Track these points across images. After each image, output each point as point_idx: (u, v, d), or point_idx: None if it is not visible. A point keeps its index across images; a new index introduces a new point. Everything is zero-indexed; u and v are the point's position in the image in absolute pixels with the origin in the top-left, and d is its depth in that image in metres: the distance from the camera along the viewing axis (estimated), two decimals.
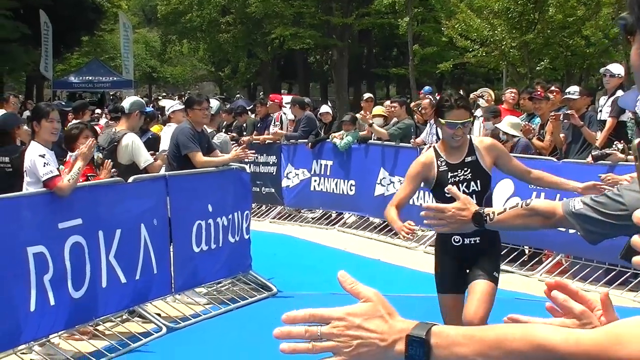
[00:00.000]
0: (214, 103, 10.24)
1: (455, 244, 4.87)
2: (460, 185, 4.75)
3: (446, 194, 4.50)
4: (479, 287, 4.79)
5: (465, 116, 4.84)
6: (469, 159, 4.88)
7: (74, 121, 9.57)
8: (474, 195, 4.64)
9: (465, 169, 4.85)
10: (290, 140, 13.36)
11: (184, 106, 9.71)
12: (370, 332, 1.45)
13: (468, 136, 5.04)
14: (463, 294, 4.91)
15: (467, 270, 4.92)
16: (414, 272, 9.28)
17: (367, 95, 15.59)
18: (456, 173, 4.83)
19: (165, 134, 9.49)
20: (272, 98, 15.14)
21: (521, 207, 2.97)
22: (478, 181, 4.83)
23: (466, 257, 4.90)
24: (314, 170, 12.91)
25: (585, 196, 2.83)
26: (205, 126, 8.54)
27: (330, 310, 1.47)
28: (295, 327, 1.47)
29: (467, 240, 4.82)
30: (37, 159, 6.25)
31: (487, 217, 3.03)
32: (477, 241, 4.80)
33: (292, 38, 37.58)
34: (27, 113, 18.69)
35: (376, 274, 8.64)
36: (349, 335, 1.44)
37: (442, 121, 4.83)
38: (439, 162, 4.89)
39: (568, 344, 1.36)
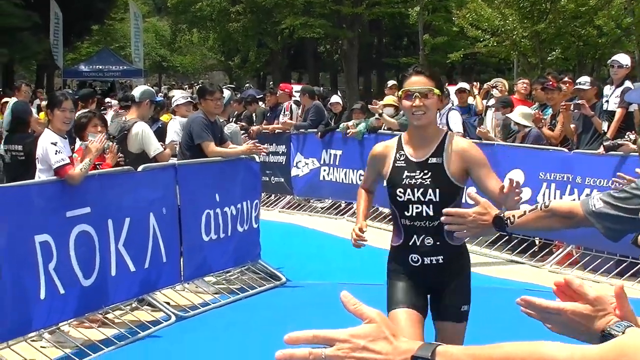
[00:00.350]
0: (226, 93, 10.23)
1: (414, 264, 3.95)
2: (415, 190, 3.88)
3: (398, 198, 3.92)
4: (444, 333, 3.98)
5: (425, 83, 3.88)
6: (433, 160, 3.92)
7: (82, 110, 9.59)
8: (430, 206, 3.86)
9: (426, 171, 3.90)
10: (300, 130, 13.35)
11: (187, 100, 9.76)
12: (376, 354, 1.44)
13: (443, 128, 4.22)
14: (422, 315, 3.98)
15: (429, 296, 4.05)
16: None
17: (391, 82, 15.59)
18: (414, 174, 3.91)
19: (170, 126, 9.51)
20: (281, 87, 15.15)
21: (540, 209, 2.95)
22: (437, 190, 3.87)
23: (428, 281, 3.99)
24: (324, 160, 12.91)
25: (604, 193, 2.81)
26: (217, 116, 8.53)
27: (334, 331, 1.46)
28: (298, 349, 1.46)
29: (427, 260, 3.93)
30: (49, 146, 6.28)
31: (508, 220, 3.00)
32: (440, 261, 3.93)
33: (302, 27, 37.52)
34: (37, 102, 18.76)
35: (385, 264, 8.62)
36: (354, 357, 1.43)
37: (400, 93, 3.98)
38: (397, 156, 4.00)
39: None
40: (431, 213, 3.86)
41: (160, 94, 22.08)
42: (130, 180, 7.03)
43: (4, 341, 5.75)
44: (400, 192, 3.92)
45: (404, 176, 3.92)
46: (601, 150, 8.59)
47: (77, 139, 7.66)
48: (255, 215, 8.52)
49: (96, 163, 6.90)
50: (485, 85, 12.77)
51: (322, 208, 13.13)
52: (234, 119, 14.15)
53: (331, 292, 1.40)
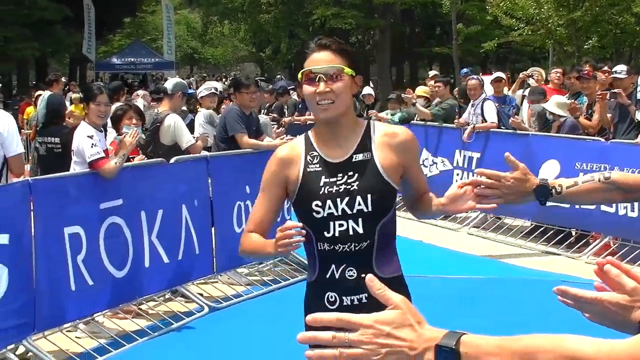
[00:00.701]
0: None
1: (330, 306, 2.94)
2: (338, 201, 2.89)
3: (314, 214, 2.91)
4: None
5: (331, 60, 2.90)
6: (359, 156, 2.95)
7: (117, 104, 9.69)
8: (359, 220, 2.89)
9: (351, 173, 2.92)
10: None
11: (211, 91, 9.84)
12: (400, 341, 1.44)
13: (363, 120, 3.11)
14: None
15: None
16: (456, 254, 9.25)
17: (432, 72, 15.56)
18: (335, 179, 2.92)
19: (196, 119, 9.62)
20: None
21: (599, 180, 2.68)
22: (369, 196, 2.89)
23: None
24: None
25: None
26: (253, 109, 8.59)
27: (359, 316, 1.46)
28: (321, 332, 1.46)
29: (346, 300, 2.92)
30: (85, 140, 6.38)
31: (553, 190, 2.68)
32: (364, 300, 2.89)
33: (334, 18, 37.45)
34: (70, 94, 18.97)
35: (418, 255, 8.63)
36: (377, 343, 1.43)
37: (299, 75, 2.97)
38: (309, 158, 2.99)
39: (600, 355, 1.34)
40: (360, 230, 2.89)
41: (192, 86, 22.22)
42: (162, 172, 7.09)
43: (40, 331, 5.85)
44: (317, 206, 2.90)
45: (320, 184, 2.92)
46: (639, 139, 8.49)
47: (110, 131, 7.76)
48: (287, 207, 8.52)
49: (130, 156, 6.98)
50: (520, 75, 12.67)
51: None
52: (265, 110, 14.23)
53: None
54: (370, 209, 2.88)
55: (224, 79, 33.09)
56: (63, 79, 14.26)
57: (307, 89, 2.90)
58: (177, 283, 7.16)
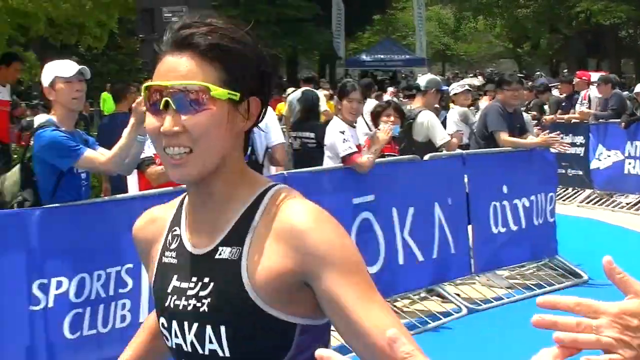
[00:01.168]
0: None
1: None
2: (185, 325, 1.69)
3: (165, 340, 1.76)
4: None
5: (188, 72, 1.59)
6: (225, 251, 1.66)
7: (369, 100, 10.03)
8: None
9: (207, 279, 1.67)
10: (600, 120, 12.96)
11: (465, 88, 9.92)
12: None
13: (264, 181, 1.77)
14: None
15: None
16: None
17: None
18: (187, 285, 1.70)
19: (449, 116, 9.73)
20: (579, 75, 14.87)
21: None
22: (222, 330, 1.63)
23: None
24: (628, 152, 12.37)
25: None
26: (517, 106, 8.63)
27: (604, 303, 1.33)
28: (562, 316, 1.41)
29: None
30: (337, 135, 6.73)
31: None
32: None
33: (601, 12, 35.99)
34: (320, 92, 19.81)
35: None
36: (629, 336, 1.31)
37: (142, 91, 1.67)
38: (169, 238, 1.79)
39: None
40: None
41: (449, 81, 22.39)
42: (415, 169, 7.26)
43: None
44: (163, 326, 1.77)
45: (169, 289, 1.74)
46: None
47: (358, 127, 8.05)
48: (551, 208, 8.40)
49: (385, 153, 7.26)
50: None
51: (627, 204, 12.54)
52: (524, 108, 14.04)
53: None
54: (227, 353, 1.65)
55: (479, 76, 32.97)
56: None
57: (149, 121, 1.66)
58: (433, 282, 7.28)
